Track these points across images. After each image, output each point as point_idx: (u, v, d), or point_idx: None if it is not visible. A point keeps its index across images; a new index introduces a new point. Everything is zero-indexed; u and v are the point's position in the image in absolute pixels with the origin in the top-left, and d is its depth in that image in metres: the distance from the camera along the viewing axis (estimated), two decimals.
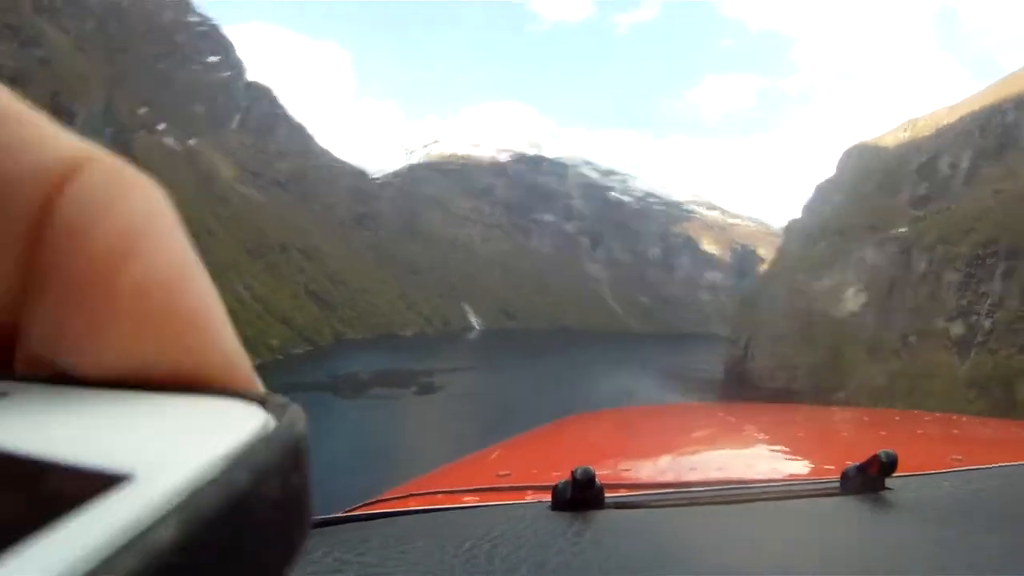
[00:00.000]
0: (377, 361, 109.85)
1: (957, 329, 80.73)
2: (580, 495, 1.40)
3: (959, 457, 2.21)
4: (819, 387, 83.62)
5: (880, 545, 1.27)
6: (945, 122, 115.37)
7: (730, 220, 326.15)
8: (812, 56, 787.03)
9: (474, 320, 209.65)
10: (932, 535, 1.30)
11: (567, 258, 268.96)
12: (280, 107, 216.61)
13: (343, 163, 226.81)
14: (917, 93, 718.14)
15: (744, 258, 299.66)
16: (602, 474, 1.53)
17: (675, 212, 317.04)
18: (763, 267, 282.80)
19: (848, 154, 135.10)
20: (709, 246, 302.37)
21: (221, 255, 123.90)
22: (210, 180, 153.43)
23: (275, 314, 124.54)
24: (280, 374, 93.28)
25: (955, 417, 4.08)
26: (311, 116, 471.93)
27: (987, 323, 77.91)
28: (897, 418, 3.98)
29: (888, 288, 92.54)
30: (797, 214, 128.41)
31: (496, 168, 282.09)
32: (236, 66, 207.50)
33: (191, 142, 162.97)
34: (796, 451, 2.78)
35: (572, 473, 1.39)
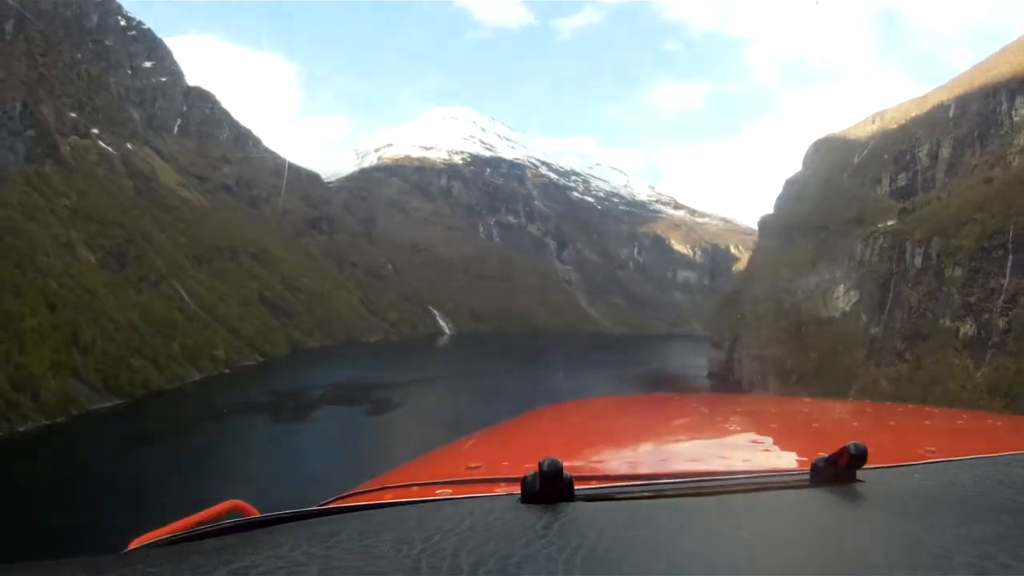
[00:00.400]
0: (334, 373, 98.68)
1: (967, 329, 73.94)
2: (548, 487, 1.39)
3: (931, 449, 2.22)
4: (817, 393, 71.18)
5: (849, 537, 1.28)
6: (914, 113, 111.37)
7: (698, 219, 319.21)
8: (761, 59, 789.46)
9: (444, 324, 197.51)
10: (902, 527, 1.30)
11: (535, 260, 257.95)
12: (223, 112, 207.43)
13: (294, 167, 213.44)
14: (864, 93, 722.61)
15: (716, 256, 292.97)
16: (573, 465, 1.56)
17: (641, 212, 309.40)
18: (737, 265, 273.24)
19: (816, 147, 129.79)
20: (679, 245, 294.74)
21: (161, 262, 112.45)
22: (149, 185, 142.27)
23: (223, 323, 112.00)
24: (221, 390, 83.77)
25: (927, 408, 4.22)
26: (257, 126, 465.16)
27: (1002, 322, 70.66)
28: (869, 410, 4.17)
29: (882, 286, 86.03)
30: (763, 211, 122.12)
31: (452, 170, 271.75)
32: (173, 71, 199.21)
33: (129, 146, 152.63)
34: (767, 442, 2.78)
35: (540, 465, 1.38)
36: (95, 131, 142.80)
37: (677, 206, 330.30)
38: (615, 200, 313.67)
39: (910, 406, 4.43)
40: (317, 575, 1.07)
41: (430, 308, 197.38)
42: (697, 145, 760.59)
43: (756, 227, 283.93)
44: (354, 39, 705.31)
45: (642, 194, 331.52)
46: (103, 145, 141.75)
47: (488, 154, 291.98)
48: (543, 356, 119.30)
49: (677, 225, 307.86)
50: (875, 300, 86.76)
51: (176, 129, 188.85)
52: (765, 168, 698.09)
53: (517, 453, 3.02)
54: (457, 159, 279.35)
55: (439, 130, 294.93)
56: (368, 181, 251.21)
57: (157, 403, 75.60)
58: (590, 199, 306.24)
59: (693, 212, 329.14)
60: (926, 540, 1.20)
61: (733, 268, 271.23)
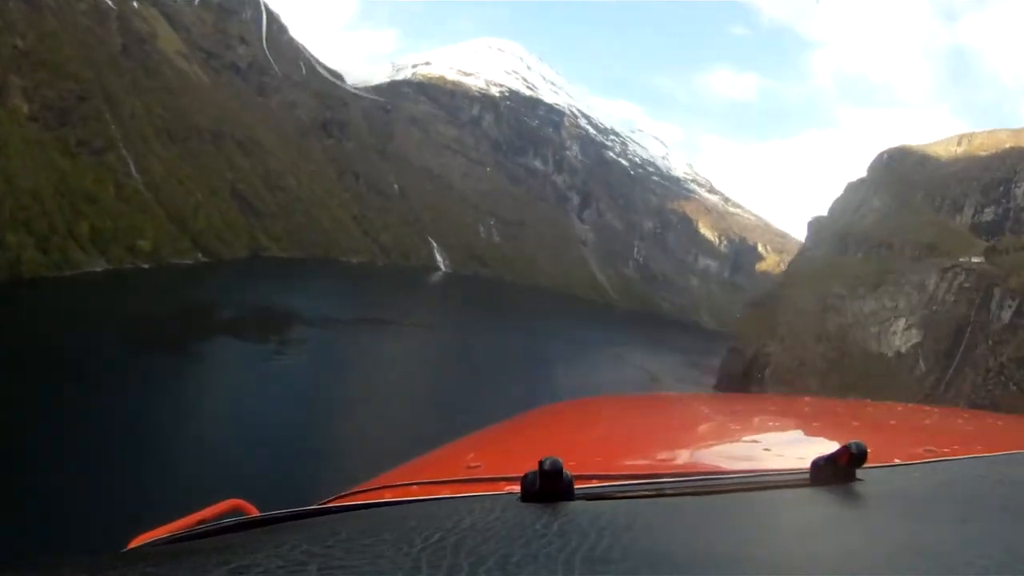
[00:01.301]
0: (274, 293, 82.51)
1: None
2: (548, 486, 1.37)
3: (930, 448, 2.23)
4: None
5: (849, 536, 1.29)
6: (1009, 144, 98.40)
7: (731, 208, 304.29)
8: (823, 66, 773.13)
9: (441, 260, 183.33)
10: (902, 527, 1.32)
11: (553, 212, 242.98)
12: None
13: (317, 63, 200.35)
14: (919, 125, 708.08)
15: (742, 251, 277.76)
16: (573, 464, 1.53)
17: (674, 188, 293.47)
18: (761, 265, 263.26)
19: (887, 157, 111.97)
20: (706, 230, 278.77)
21: (117, 129, 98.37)
22: (142, 47, 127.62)
23: (170, 210, 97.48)
24: (113, 289, 70.04)
25: (927, 408, 4.40)
26: (304, 28, 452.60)
27: None
28: (869, 409, 4.08)
29: (954, 332, 72.67)
30: (798, 218, 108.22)
31: (486, 101, 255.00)
32: None
33: (134, 3, 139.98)
34: (767, 441, 2.78)
35: (540, 464, 1.36)
36: None
37: (712, 190, 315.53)
38: (650, 169, 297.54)
39: (910, 406, 4.46)
40: (317, 574, 1.03)
41: (429, 239, 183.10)
42: (740, 138, 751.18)
43: (788, 231, 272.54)
44: None
45: (679, 170, 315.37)
46: None
47: (528, 93, 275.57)
48: (538, 320, 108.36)
49: (708, 210, 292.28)
50: (941, 347, 72.80)
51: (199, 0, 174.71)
52: (808, 177, 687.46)
53: (517, 452, 3.06)
54: (495, 91, 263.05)
55: (483, 58, 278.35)
56: (395, 94, 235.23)
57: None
58: (624, 162, 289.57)
59: (727, 200, 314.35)
60: (926, 539, 1.22)
61: (757, 267, 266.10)
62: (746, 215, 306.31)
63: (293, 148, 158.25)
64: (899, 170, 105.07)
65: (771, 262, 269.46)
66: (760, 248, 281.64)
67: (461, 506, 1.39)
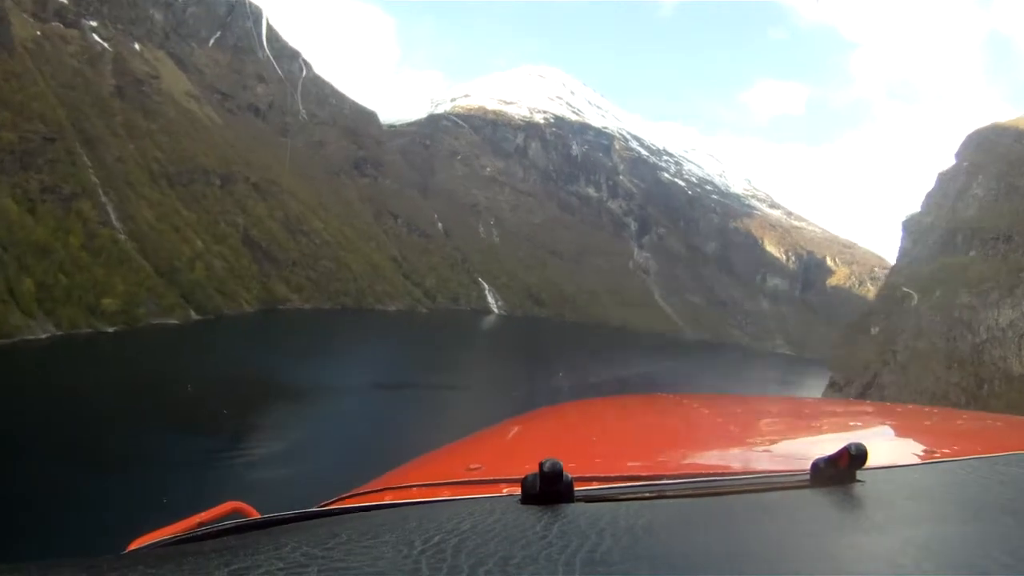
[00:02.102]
0: (271, 354, 66.63)
1: None
2: (549, 488, 1.39)
3: (930, 449, 2.24)
4: None
5: (849, 537, 1.29)
6: None
7: (794, 222, 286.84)
8: (864, 65, 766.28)
9: (493, 302, 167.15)
10: (902, 528, 1.32)
11: (611, 241, 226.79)
12: (271, 29, 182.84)
13: (348, 100, 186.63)
14: (968, 115, 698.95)
15: (810, 266, 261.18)
16: (573, 466, 1.55)
17: (734, 205, 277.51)
18: (831, 280, 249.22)
19: (976, 138, 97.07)
20: (772, 247, 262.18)
21: (98, 173, 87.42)
22: (140, 88, 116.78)
23: (156, 261, 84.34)
24: (46, 364, 53.03)
25: (926, 409, 4.06)
26: (353, 76, 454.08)
27: None
28: (869, 410, 4.06)
29: None
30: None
31: (531, 129, 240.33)
32: None
33: (136, 46, 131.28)
34: (767, 443, 2.74)
35: (540, 466, 1.39)
36: (92, 23, 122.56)
37: (773, 204, 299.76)
38: (707, 188, 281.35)
39: (910, 406, 4.35)
40: None
41: (479, 280, 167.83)
42: (791, 148, 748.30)
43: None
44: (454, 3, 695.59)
45: (737, 186, 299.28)
46: (96, 39, 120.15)
47: (574, 118, 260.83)
48: (605, 360, 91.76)
49: (772, 225, 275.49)
50: None
51: (213, 41, 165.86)
52: (867, 181, 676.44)
53: (517, 454, 3.05)
54: (539, 118, 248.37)
55: (524, 86, 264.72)
56: (434, 128, 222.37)
57: None
58: (681, 183, 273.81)
59: (789, 214, 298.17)
60: (926, 540, 1.21)
61: (828, 282, 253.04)
62: (810, 228, 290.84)
63: (322, 189, 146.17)
64: (996, 150, 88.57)
65: (841, 275, 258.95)
66: (829, 262, 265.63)
67: (461, 508, 1.41)
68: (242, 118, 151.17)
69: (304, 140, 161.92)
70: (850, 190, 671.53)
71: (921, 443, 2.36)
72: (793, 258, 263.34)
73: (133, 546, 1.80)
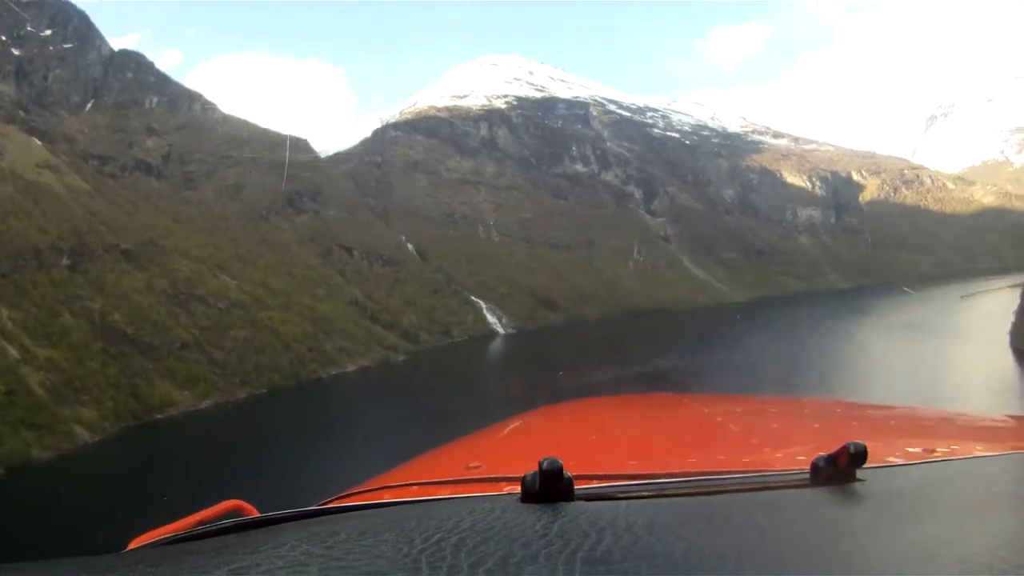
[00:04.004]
0: None
1: None
2: (548, 487, 1.39)
3: (930, 448, 2.25)
4: None
5: (849, 536, 1.29)
6: None
7: (805, 146, 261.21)
8: None
9: (495, 321, 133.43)
10: (901, 527, 1.32)
11: (618, 216, 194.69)
12: (159, 74, 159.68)
13: (270, 133, 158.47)
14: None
15: (838, 187, 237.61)
16: (572, 465, 1.53)
17: (738, 144, 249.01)
18: (865, 196, 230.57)
19: None
20: (792, 177, 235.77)
21: None
22: None
23: None
24: None
25: (927, 409, 4.54)
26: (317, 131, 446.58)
27: None
28: (869, 410, 4.09)
29: None
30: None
31: (494, 116, 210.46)
32: (84, 36, 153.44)
33: None
34: (767, 442, 2.87)
35: (540, 464, 1.39)
36: None
37: (777, 135, 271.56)
38: (705, 133, 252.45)
39: (910, 407, 4.47)
40: (317, 575, 1.08)
41: (472, 300, 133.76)
42: (764, 82, 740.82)
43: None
44: (393, 31, 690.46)
45: (733, 126, 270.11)
46: None
47: (539, 95, 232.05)
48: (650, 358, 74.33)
49: (784, 155, 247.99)
50: None
51: (91, 104, 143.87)
52: (844, 94, 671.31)
53: (517, 452, 3.19)
54: (500, 103, 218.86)
55: (477, 77, 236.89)
56: (383, 143, 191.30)
57: None
58: (674, 134, 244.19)
59: (796, 139, 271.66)
60: (926, 540, 1.22)
61: (861, 199, 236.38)
62: (823, 148, 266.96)
63: (239, 239, 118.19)
64: None
65: (873, 188, 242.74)
66: (856, 176, 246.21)
67: (461, 507, 1.42)
68: (125, 180, 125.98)
69: (214, 187, 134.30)
70: (840, 105, 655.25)
71: (921, 443, 2.36)
72: (818, 183, 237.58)
73: (133, 545, 1.82)
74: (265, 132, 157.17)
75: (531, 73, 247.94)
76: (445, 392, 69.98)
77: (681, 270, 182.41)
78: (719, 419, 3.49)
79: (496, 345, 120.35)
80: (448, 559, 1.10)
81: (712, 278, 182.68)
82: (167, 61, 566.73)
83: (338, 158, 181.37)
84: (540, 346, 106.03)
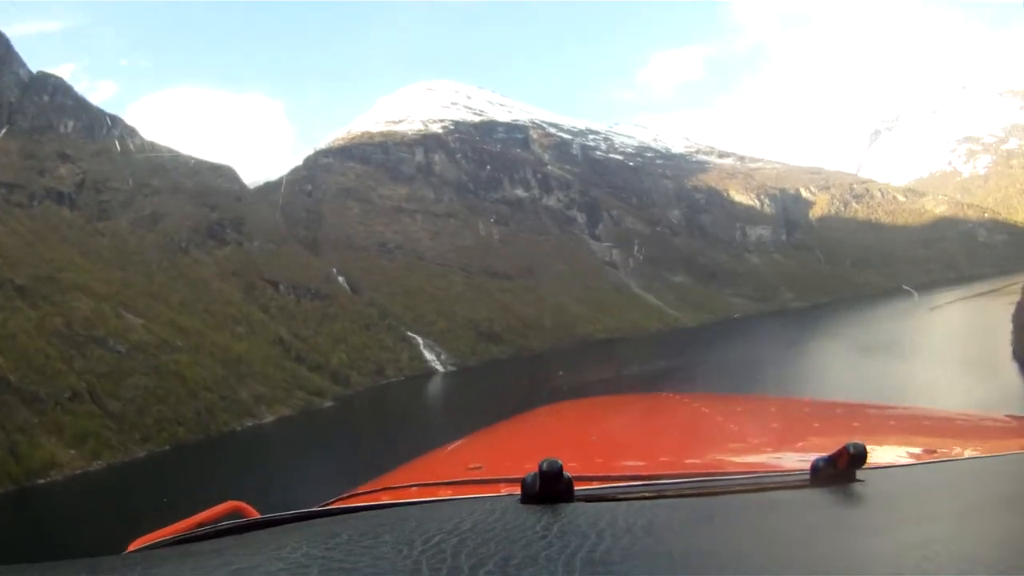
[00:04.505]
0: None
1: None
2: (548, 488, 1.40)
3: (930, 449, 2.26)
4: None
5: (849, 537, 1.29)
6: None
7: (751, 165, 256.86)
8: (755, 12, 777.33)
9: (433, 357, 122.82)
10: (901, 527, 1.32)
11: (562, 241, 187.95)
12: (77, 98, 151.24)
13: (193, 161, 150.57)
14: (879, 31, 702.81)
15: (787, 204, 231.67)
16: (572, 466, 1.57)
17: (683, 164, 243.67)
18: (815, 211, 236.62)
19: None
20: (740, 196, 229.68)
21: None
22: None
23: None
24: None
25: (927, 408, 4.47)
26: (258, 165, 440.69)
27: None
28: (869, 410, 4.06)
29: None
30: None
31: (430, 141, 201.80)
32: (2, 60, 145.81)
33: None
34: (767, 443, 2.90)
35: (539, 465, 1.40)
36: None
37: (722, 154, 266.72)
38: (648, 155, 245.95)
39: (909, 407, 4.38)
40: None
41: (409, 335, 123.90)
42: (698, 112, 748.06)
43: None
44: (332, 63, 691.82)
45: (677, 147, 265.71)
46: None
47: (477, 119, 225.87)
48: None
49: (731, 174, 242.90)
50: None
51: (4, 129, 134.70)
52: (784, 113, 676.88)
53: (517, 453, 3.17)
54: (436, 128, 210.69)
55: (412, 102, 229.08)
56: (313, 170, 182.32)
57: None
58: (617, 156, 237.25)
59: (742, 158, 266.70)
60: (926, 540, 1.20)
61: (811, 215, 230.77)
62: (769, 166, 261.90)
63: (153, 273, 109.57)
64: None
65: (823, 203, 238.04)
66: (804, 192, 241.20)
67: (461, 508, 1.41)
68: (34, 209, 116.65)
69: (130, 218, 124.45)
70: (783, 124, 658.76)
71: (921, 443, 2.38)
72: (767, 201, 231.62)
73: (134, 546, 1.83)
74: (189, 160, 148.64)
75: (469, 98, 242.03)
76: (374, 444, 60.45)
77: (630, 296, 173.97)
78: (719, 419, 3.47)
79: (435, 385, 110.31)
80: (448, 560, 1.10)
81: (663, 303, 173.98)
82: (102, 93, 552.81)
83: (268, 187, 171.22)
84: (482, 385, 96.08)
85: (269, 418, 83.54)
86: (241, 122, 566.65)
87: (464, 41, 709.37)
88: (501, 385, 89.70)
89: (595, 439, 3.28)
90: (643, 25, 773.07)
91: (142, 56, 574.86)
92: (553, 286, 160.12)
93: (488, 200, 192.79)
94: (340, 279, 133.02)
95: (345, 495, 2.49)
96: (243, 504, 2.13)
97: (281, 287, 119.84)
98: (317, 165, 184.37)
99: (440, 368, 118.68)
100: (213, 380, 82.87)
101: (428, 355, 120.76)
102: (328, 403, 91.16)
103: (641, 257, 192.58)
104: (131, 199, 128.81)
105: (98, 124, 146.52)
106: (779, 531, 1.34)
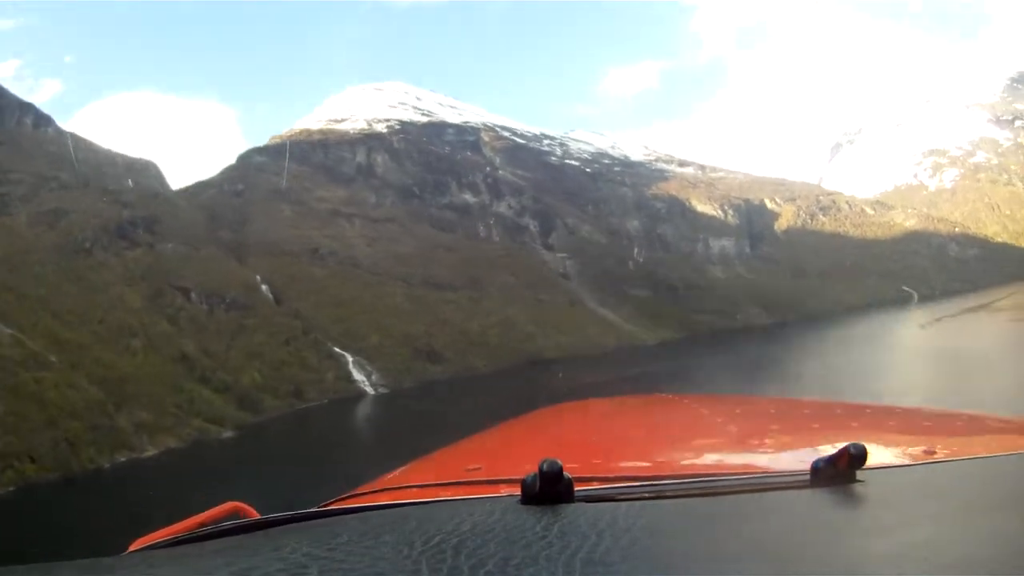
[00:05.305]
0: None
1: None
2: (548, 488, 1.40)
3: (930, 450, 2.25)
4: None
5: (849, 538, 1.30)
6: None
7: (713, 175, 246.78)
8: (711, 26, 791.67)
9: (363, 378, 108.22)
10: (902, 528, 1.32)
11: (511, 251, 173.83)
12: None
13: (109, 153, 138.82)
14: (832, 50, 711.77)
15: (751, 215, 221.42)
16: (572, 466, 1.58)
17: (642, 172, 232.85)
18: (781, 223, 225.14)
19: None
20: (703, 206, 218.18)
21: None
22: None
23: None
24: None
25: (927, 409, 4.32)
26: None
27: None
28: (869, 410, 4.02)
29: None
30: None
31: (373, 140, 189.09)
32: None
33: None
34: (767, 443, 2.90)
35: (539, 466, 1.40)
36: None
37: (683, 163, 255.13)
38: (606, 162, 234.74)
39: (909, 408, 4.32)
40: None
41: (336, 352, 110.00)
42: (656, 127, 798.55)
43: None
44: (282, 67, 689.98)
45: (636, 154, 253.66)
46: None
47: (426, 120, 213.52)
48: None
49: (693, 183, 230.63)
50: None
51: None
52: (750, 129, 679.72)
53: (517, 454, 3.19)
54: (381, 127, 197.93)
55: (356, 103, 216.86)
56: (245, 170, 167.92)
57: None
58: (574, 162, 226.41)
59: (703, 168, 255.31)
60: (926, 540, 1.22)
61: (776, 227, 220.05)
62: (732, 175, 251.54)
63: (44, 275, 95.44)
64: None
65: (788, 215, 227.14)
66: (769, 203, 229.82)
67: (461, 508, 1.42)
68: None
69: (29, 213, 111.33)
70: (741, 139, 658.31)
71: (921, 443, 2.37)
72: (730, 211, 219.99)
73: (134, 547, 1.85)
74: (107, 154, 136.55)
75: (419, 99, 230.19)
76: (266, 490, 47.67)
77: (584, 310, 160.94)
78: (718, 420, 3.47)
79: (362, 410, 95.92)
80: (448, 561, 1.10)
81: (620, 318, 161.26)
82: (45, 92, 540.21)
83: (198, 187, 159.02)
84: (416, 411, 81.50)
85: (150, 451, 68.38)
86: (191, 128, 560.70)
87: (420, 48, 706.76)
88: (439, 412, 76.05)
89: (595, 440, 3.35)
90: (599, 39, 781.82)
91: (92, 59, 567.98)
92: (500, 299, 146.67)
93: (433, 205, 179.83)
94: (263, 287, 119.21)
95: (344, 496, 2.49)
96: (243, 505, 2.14)
97: (193, 295, 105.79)
98: (250, 164, 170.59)
99: (370, 390, 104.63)
100: (85, 405, 68.13)
101: (357, 375, 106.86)
102: (227, 433, 76.72)
103: (597, 269, 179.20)
104: (34, 193, 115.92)
105: (9, 111, 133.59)
106: (779, 532, 1.34)
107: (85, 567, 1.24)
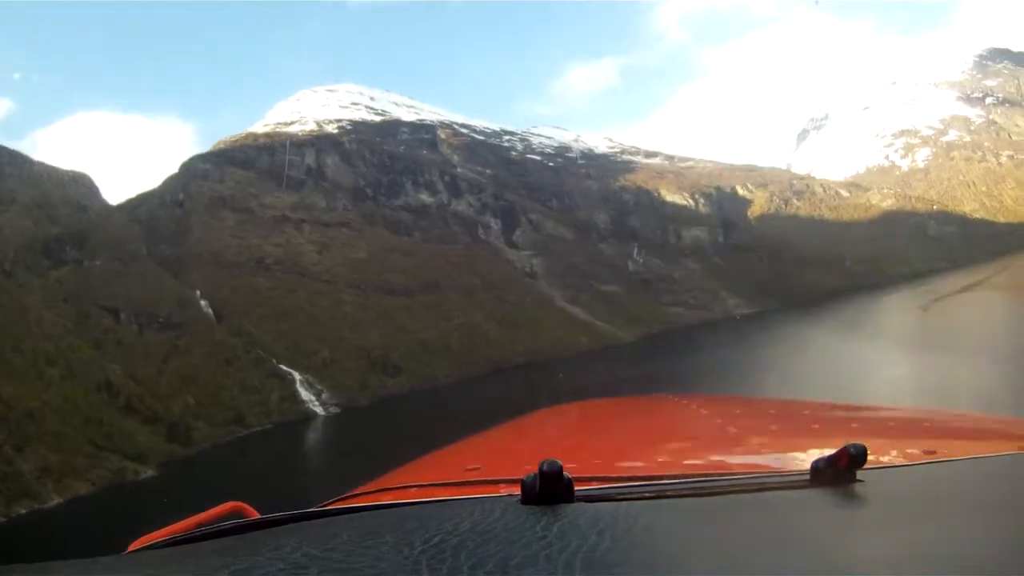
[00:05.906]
0: None
1: None
2: (548, 488, 1.41)
3: (930, 450, 2.26)
4: None
5: (849, 538, 1.30)
6: None
7: (681, 164, 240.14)
8: (672, 21, 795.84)
9: (312, 398, 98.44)
10: (901, 528, 1.33)
11: (474, 251, 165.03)
12: None
13: (39, 166, 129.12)
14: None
15: (723, 203, 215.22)
16: (572, 466, 1.59)
17: (607, 165, 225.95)
18: (754, 210, 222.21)
19: None
20: (672, 196, 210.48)
21: None
22: None
23: None
24: None
25: (927, 409, 4.32)
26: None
27: None
28: (869, 411, 4.13)
29: None
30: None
31: (322, 142, 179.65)
32: None
33: None
34: (767, 443, 2.93)
35: (539, 466, 1.41)
36: None
37: (649, 154, 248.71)
38: (570, 155, 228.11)
39: (909, 408, 4.67)
40: None
41: (282, 370, 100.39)
42: (626, 119, 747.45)
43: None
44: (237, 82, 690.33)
45: (601, 147, 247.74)
46: None
47: (379, 119, 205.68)
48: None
49: (660, 173, 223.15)
50: None
51: None
52: (718, 119, 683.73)
53: (517, 454, 3.24)
54: (331, 128, 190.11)
55: (307, 104, 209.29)
56: (187, 179, 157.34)
57: None
58: (535, 157, 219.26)
59: (671, 158, 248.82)
60: (925, 541, 1.23)
61: (750, 214, 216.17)
62: (701, 165, 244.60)
63: None
64: None
65: (762, 201, 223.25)
66: (740, 190, 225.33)
67: (461, 508, 1.43)
68: None
69: None
70: (706, 130, 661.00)
71: (921, 443, 2.38)
72: (701, 200, 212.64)
73: (134, 547, 1.85)
74: (35, 166, 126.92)
75: (372, 99, 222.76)
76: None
77: (553, 310, 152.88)
78: (718, 421, 3.49)
79: (311, 435, 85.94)
80: (448, 561, 1.10)
81: (592, 317, 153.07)
82: None
83: (138, 200, 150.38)
84: (371, 433, 71.68)
85: (55, 500, 58.63)
86: (148, 146, 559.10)
87: (378, 50, 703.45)
88: (399, 431, 66.27)
89: (595, 440, 3.39)
90: (559, 37, 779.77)
91: (46, 77, 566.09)
92: (462, 302, 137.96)
93: (388, 207, 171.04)
94: (203, 303, 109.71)
95: (344, 496, 2.51)
96: (243, 504, 2.15)
97: (122, 315, 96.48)
98: (193, 172, 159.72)
99: (320, 410, 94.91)
100: None
101: (305, 394, 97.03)
102: (149, 472, 66.81)
103: (565, 266, 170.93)
104: None
105: None
106: (779, 531, 1.35)
107: (85, 567, 1.24)
